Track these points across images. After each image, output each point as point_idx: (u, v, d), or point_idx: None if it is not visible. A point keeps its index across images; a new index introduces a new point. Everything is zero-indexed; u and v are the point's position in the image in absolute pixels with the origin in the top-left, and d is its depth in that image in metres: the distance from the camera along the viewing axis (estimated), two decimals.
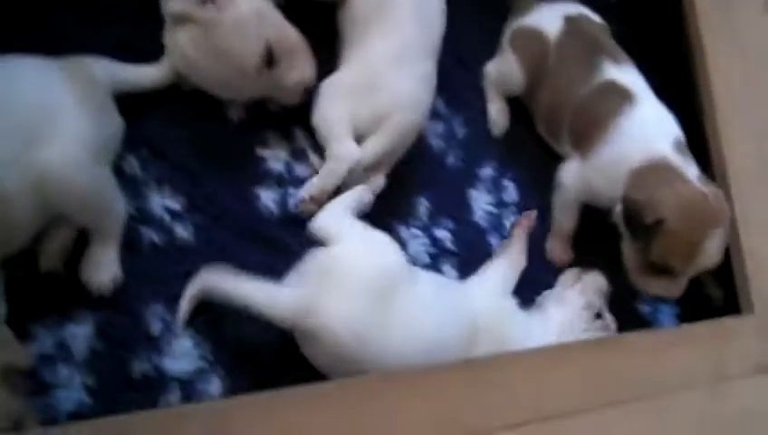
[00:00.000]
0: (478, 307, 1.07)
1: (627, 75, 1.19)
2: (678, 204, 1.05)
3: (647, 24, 1.40)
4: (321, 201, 1.09)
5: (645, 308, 1.33)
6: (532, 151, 1.31)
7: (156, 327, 1.02)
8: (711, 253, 1.07)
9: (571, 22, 1.24)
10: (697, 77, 1.29)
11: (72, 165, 0.90)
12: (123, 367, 0.99)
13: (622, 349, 1.09)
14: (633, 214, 1.08)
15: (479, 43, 1.32)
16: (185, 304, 1.01)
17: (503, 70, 1.27)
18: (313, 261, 0.99)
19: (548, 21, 1.25)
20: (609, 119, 1.15)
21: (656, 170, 1.08)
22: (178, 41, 1.04)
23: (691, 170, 1.11)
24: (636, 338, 1.12)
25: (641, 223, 1.06)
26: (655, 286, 1.11)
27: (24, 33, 1.06)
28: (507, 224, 1.26)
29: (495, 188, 1.28)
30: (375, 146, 1.11)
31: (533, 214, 1.23)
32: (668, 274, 1.09)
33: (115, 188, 1.00)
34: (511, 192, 1.29)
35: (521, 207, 1.27)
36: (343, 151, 1.09)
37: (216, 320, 1.03)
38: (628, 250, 1.13)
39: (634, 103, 1.16)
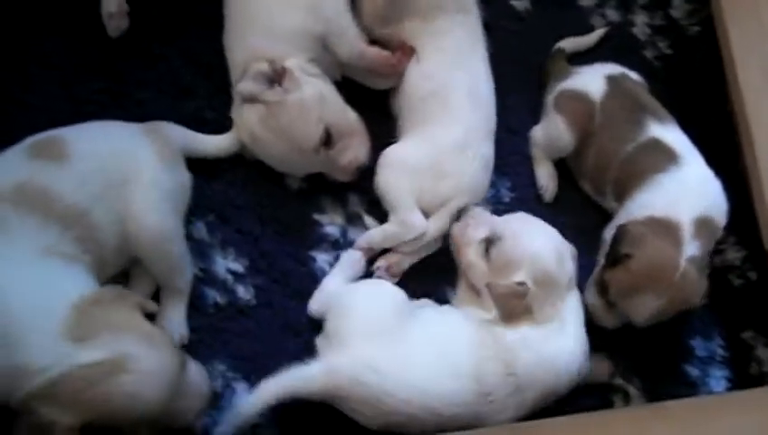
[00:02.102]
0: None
1: (671, 133, 1.23)
2: (651, 255, 1.11)
3: (690, 86, 1.42)
4: (368, 254, 1.17)
5: (694, 371, 1.32)
6: (577, 214, 1.34)
7: (217, 383, 1.09)
8: (640, 310, 1.12)
9: (613, 81, 1.28)
10: (741, 136, 1.30)
11: (149, 201, 1.03)
12: None
13: (666, 417, 1.09)
14: (617, 239, 1.14)
15: (525, 110, 1.37)
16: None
17: (551, 133, 1.32)
18: (324, 332, 1.07)
19: (591, 82, 1.29)
20: (651, 173, 1.19)
21: (663, 226, 1.13)
22: (246, 118, 1.14)
23: (691, 247, 1.13)
24: (681, 405, 1.12)
25: (616, 248, 1.13)
26: (595, 304, 1.17)
27: (116, 108, 1.19)
28: None
29: None
30: (436, 225, 1.18)
31: None
32: (610, 304, 1.16)
33: (185, 245, 1.10)
34: None
35: None
36: (414, 221, 1.16)
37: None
38: (597, 269, 1.19)
39: (680, 164, 1.20)
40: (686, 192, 1.17)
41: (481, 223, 1.15)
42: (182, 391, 0.92)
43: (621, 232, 1.14)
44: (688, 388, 1.27)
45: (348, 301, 1.07)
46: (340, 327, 1.04)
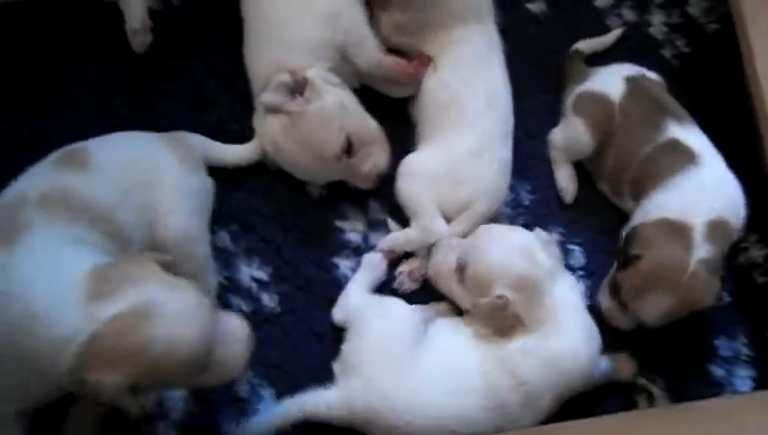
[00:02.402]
0: None
1: (690, 134, 1.23)
2: (660, 256, 1.12)
3: (709, 84, 1.41)
4: (389, 257, 1.19)
5: (719, 371, 1.31)
6: (597, 215, 1.34)
7: (244, 390, 1.12)
8: (650, 310, 1.13)
9: (631, 82, 1.28)
10: (761, 132, 1.29)
11: (172, 203, 1.06)
12: (213, 426, 1.10)
13: (691, 417, 1.09)
14: (628, 240, 1.15)
15: (543, 113, 1.37)
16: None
17: (570, 136, 1.32)
18: (341, 358, 1.09)
19: (610, 83, 1.29)
20: (669, 174, 1.19)
21: (675, 228, 1.13)
22: (268, 128, 1.16)
23: (703, 249, 1.13)
24: (706, 406, 1.12)
25: (627, 249, 1.14)
26: (608, 306, 1.19)
27: (141, 119, 1.22)
28: None
29: (562, 252, 1.31)
30: (458, 229, 1.19)
31: None
32: (622, 305, 1.17)
33: (210, 248, 1.12)
34: (578, 256, 1.32)
35: (588, 271, 1.30)
36: (435, 227, 1.18)
37: (298, 385, 1.12)
38: (611, 271, 1.20)
39: (699, 165, 1.20)
40: (702, 194, 1.17)
41: (449, 252, 1.15)
42: (220, 339, 0.90)
43: (632, 234, 1.16)
44: (713, 388, 1.26)
45: (363, 327, 1.09)
46: (356, 355, 1.07)
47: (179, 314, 0.86)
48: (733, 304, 1.32)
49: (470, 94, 1.21)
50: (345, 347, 1.09)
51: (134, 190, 1.03)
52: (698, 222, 1.14)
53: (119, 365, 0.83)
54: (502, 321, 1.06)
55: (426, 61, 1.23)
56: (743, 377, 1.30)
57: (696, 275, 1.11)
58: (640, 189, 1.23)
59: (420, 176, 1.19)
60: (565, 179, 1.33)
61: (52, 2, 1.26)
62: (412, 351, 1.06)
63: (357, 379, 1.04)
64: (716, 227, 1.15)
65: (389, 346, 1.06)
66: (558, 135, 1.33)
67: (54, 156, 1.04)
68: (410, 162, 1.20)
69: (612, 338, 1.19)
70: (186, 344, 0.85)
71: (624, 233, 1.21)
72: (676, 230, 1.13)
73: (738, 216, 1.19)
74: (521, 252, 1.09)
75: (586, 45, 1.40)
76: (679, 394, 1.24)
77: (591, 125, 1.28)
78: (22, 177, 1.01)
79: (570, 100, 1.32)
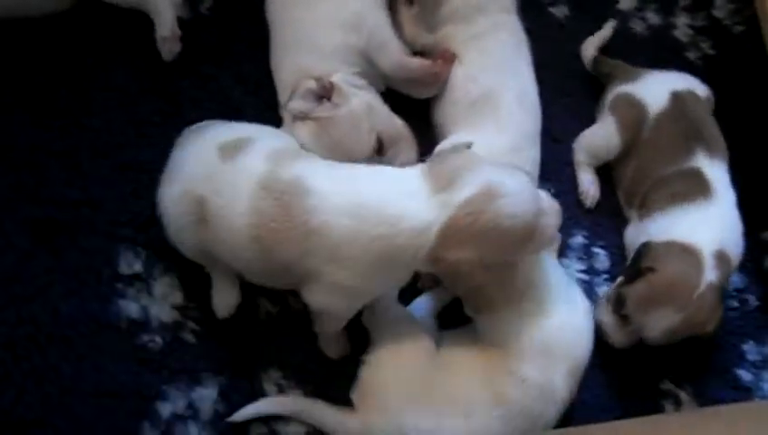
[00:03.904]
0: None
1: (715, 170, 1.22)
2: (673, 273, 1.13)
3: (735, 85, 1.40)
4: None
5: (747, 376, 1.30)
6: (621, 218, 1.34)
7: (271, 390, 1.14)
8: (655, 324, 1.13)
9: (676, 99, 1.25)
10: None
11: None
12: (242, 427, 1.11)
13: (719, 422, 1.08)
14: (640, 254, 1.16)
15: (567, 117, 1.37)
16: (250, 411, 1.10)
17: (600, 134, 1.31)
18: (359, 389, 1.09)
19: (654, 93, 1.27)
20: (682, 201, 1.19)
21: (685, 250, 1.14)
22: (298, 135, 1.17)
23: (711, 273, 1.13)
24: (734, 410, 1.11)
25: (638, 262, 1.15)
26: (607, 322, 1.17)
27: (169, 126, 1.23)
28: (599, 291, 1.29)
29: (586, 255, 1.32)
30: None
31: None
32: (624, 319, 1.15)
33: None
34: (602, 259, 1.32)
35: (612, 274, 1.30)
36: None
37: (324, 391, 1.14)
38: (612, 286, 1.20)
39: (712, 200, 1.19)
40: (709, 226, 1.17)
41: None
42: (540, 208, 1.01)
43: (645, 248, 1.16)
44: (741, 393, 1.26)
45: (380, 358, 1.09)
46: (373, 386, 1.07)
47: (516, 190, 0.97)
48: (760, 307, 1.31)
49: (501, 89, 1.21)
50: (362, 376, 1.09)
51: None
52: (706, 249, 1.15)
53: (474, 242, 0.95)
54: (463, 280, 1.04)
55: (450, 58, 1.24)
56: None
57: (705, 297, 1.12)
58: (648, 207, 1.23)
59: None
60: (587, 183, 1.33)
61: (82, 11, 1.29)
62: (428, 377, 1.06)
63: (376, 413, 1.05)
64: (720, 258, 1.15)
65: (407, 379, 1.06)
66: (586, 136, 1.32)
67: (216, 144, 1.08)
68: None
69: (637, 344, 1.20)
70: (525, 216, 0.97)
71: (625, 240, 1.24)
72: (688, 252, 1.14)
73: (737, 254, 1.20)
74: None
75: (591, 47, 1.38)
76: (706, 399, 1.24)
77: (622, 127, 1.27)
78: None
79: (610, 98, 1.31)
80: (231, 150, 1.05)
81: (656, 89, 1.27)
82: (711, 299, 1.13)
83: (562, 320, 1.08)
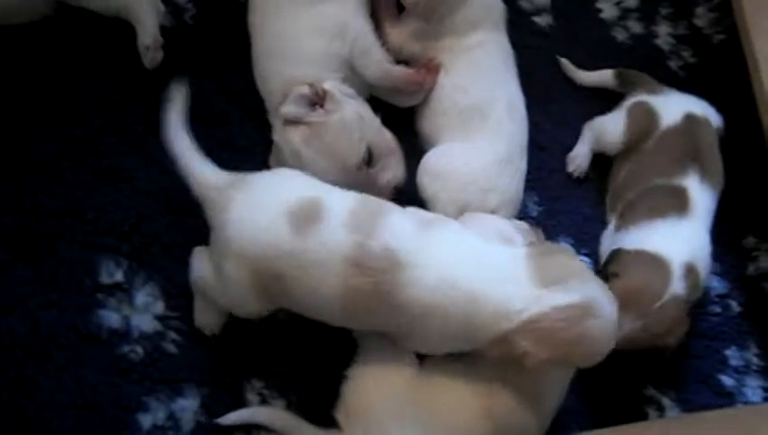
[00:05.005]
0: None
1: (701, 193, 1.23)
2: (636, 280, 1.14)
3: (717, 93, 1.41)
4: None
5: (729, 381, 1.31)
6: (604, 228, 1.34)
7: (254, 400, 1.13)
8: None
9: (689, 120, 1.28)
10: None
11: None
12: None
13: (704, 427, 1.09)
14: (609, 259, 1.19)
15: (551, 125, 1.38)
16: (234, 417, 1.10)
17: (609, 124, 1.32)
18: (343, 406, 1.08)
19: (670, 110, 1.29)
20: (661, 214, 1.21)
21: (654, 260, 1.15)
22: (290, 140, 1.16)
23: (678, 286, 1.14)
24: (716, 416, 1.12)
25: (606, 268, 1.17)
26: None
27: (152, 135, 1.20)
28: None
29: None
30: None
31: None
32: None
33: None
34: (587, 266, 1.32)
35: None
36: None
37: (307, 400, 1.13)
38: None
39: (686, 217, 1.21)
40: (679, 238, 1.19)
41: None
42: None
43: (615, 253, 1.18)
44: (724, 398, 1.26)
45: (363, 373, 1.08)
46: (356, 402, 1.06)
47: (610, 320, 0.97)
48: (742, 313, 1.32)
49: (491, 100, 1.22)
50: (346, 392, 1.08)
51: None
52: (676, 261, 1.16)
53: (551, 345, 0.94)
54: None
55: (435, 68, 1.24)
56: (753, 387, 1.31)
57: (667, 308, 1.13)
58: (626, 217, 1.25)
59: (450, 177, 1.19)
60: (581, 152, 1.35)
61: (64, 19, 1.28)
62: (411, 394, 1.05)
63: (360, 430, 1.04)
64: (689, 272, 1.16)
65: (390, 397, 1.05)
66: (597, 120, 1.35)
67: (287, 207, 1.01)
68: (439, 161, 1.20)
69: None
70: (601, 349, 0.97)
71: (601, 245, 1.26)
72: (656, 261, 1.15)
73: (705, 273, 1.20)
74: (498, 233, 1.11)
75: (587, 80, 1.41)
76: (689, 405, 1.24)
77: (630, 128, 1.30)
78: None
79: (629, 101, 1.34)
80: (303, 221, 0.98)
81: (673, 106, 1.30)
82: (673, 311, 1.13)
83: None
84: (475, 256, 0.99)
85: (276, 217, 0.99)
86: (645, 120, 1.29)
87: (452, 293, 0.96)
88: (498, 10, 1.29)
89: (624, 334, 1.10)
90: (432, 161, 1.21)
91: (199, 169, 1.07)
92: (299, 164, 1.17)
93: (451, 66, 1.25)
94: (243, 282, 1.00)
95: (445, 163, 1.20)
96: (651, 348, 1.15)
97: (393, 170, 1.18)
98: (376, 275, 0.96)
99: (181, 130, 1.09)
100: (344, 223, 0.98)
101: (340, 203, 1.01)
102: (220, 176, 1.06)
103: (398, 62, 1.26)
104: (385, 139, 1.19)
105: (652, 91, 1.33)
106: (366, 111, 1.19)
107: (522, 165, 1.25)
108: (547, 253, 1.00)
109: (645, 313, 1.12)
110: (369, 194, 1.20)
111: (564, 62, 1.41)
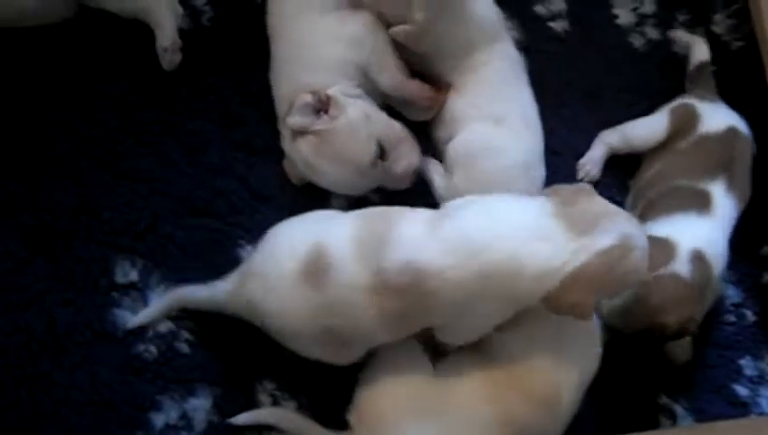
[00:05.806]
0: None
1: (725, 201, 1.23)
2: None
3: (735, 100, 1.40)
4: None
5: (743, 391, 1.30)
6: None
7: (266, 401, 1.13)
8: (608, 302, 1.14)
9: (731, 133, 1.28)
10: None
11: None
12: None
13: None
14: None
15: (567, 130, 1.37)
16: (246, 418, 1.10)
17: (649, 123, 1.32)
18: (356, 408, 1.07)
19: (715, 117, 1.29)
20: (678, 210, 1.21)
21: (661, 241, 1.15)
22: (299, 150, 1.17)
23: (681, 266, 1.14)
24: (730, 426, 1.11)
25: None
26: None
27: (169, 136, 1.25)
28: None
29: None
30: None
31: None
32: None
33: None
34: None
35: None
36: None
37: (318, 402, 1.14)
38: None
39: (704, 216, 1.20)
40: (693, 229, 1.18)
41: None
42: None
43: None
44: (737, 408, 1.25)
45: (376, 375, 1.07)
46: (370, 404, 1.05)
47: (643, 244, 0.99)
48: (758, 323, 1.31)
49: (505, 113, 1.22)
50: (359, 395, 1.07)
51: None
52: (683, 244, 1.15)
53: (597, 288, 0.96)
54: None
55: (444, 88, 1.25)
56: None
57: (665, 282, 1.12)
58: (648, 213, 1.24)
59: (476, 164, 1.19)
60: (594, 158, 1.34)
61: (83, 21, 1.30)
62: (426, 396, 1.05)
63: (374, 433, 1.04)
64: (698, 259, 1.15)
65: (405, 398, 1.04)
66: (631, 122, 1.34)
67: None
68: (472, 143, 1.20)
69: (637, 355, 1.19)
70: (643, 271, 0.99)
71: None
72: (662, 242, 1.15)
73: (718, 271, 1.19)
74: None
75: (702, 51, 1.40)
76: (703, 414, 1.23)
77: (672, 127, 1.30)
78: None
79: (675, 101, 1.34)
80: (315, 276, 0.99)
81: (719, 116, 1.30)
82: (673, 288, 1.12)
83: (572, 332, 1.06)
84: (501, 225, 0.97)
85: (291, 286, 1.00)
86: (685, 120, 1.29)
87: (488, 268, 0.95)
88: (492, 23, 1.27)
89: (620, 305, 1.11)
90: (466, 140, 1.21)
91: (209, 294, 1.11)
92: (313, 173, 1.18)
93: (461, 85, 1.24)
94: (305, 342, 1.04)
95: (478, 145, 1.20)
96: (651, 328, 1.12)
97: (408, 158, 1.18)
98: (404, 291, 0.96)
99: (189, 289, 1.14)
100: (353, 257, 0.98)
101: (341, 235, 1.00)
102: (228, 283, 1.09)
103: (413, 74, 1.26)
104: (394, 129, 1.19)
105: (703, 97, 1.33)
106: (370, 107, 1.19)
107: (540, 171, 1.25)
108: (569, 200, 0.98)
109: (642, 282, 1.09)
110: (391, 184, 1.21)
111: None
